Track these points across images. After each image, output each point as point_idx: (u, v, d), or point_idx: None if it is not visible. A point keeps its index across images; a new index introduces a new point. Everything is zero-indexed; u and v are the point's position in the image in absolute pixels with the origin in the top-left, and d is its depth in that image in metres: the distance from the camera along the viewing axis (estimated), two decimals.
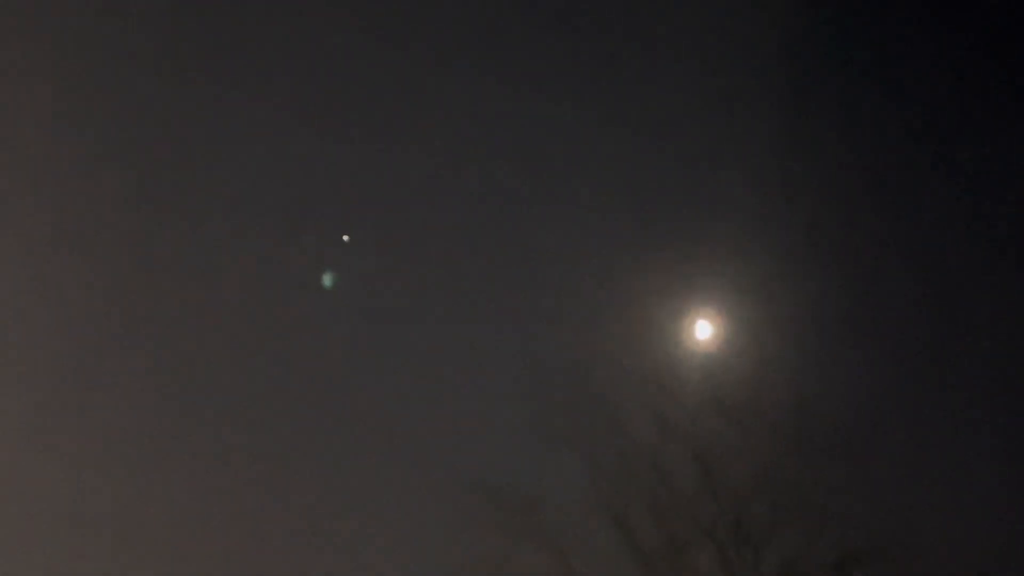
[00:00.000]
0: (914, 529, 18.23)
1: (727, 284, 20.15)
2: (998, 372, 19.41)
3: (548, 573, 18.30)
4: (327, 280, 20.15)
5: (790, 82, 20.78)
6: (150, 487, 19.16)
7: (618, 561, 18.56)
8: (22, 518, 18.67)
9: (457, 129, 21.31)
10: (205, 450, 19.35)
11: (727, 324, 20.03)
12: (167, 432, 19.52)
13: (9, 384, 19.58)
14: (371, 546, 18.59)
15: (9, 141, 20.07)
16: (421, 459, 19.22)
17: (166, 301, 20.32)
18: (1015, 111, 20.48)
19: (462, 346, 20.07)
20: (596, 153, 20.73)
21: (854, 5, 21.44)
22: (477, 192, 20.55)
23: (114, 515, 18.90)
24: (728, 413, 18.91)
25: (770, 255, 20.34)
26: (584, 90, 21.78)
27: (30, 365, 19.74)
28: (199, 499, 19.01)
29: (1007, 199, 20.06)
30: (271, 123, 21.04)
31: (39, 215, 20.25)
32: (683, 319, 20.05)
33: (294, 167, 21.17)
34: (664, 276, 20.08)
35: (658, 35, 21.84)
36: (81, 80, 20.80)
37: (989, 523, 18.18)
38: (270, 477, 19.20)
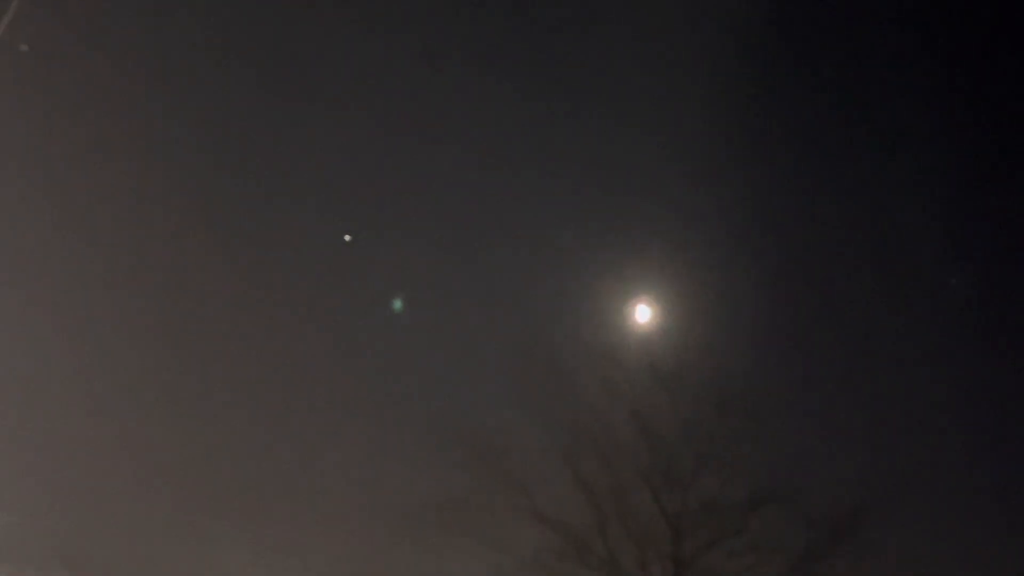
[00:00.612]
0: (810, 474, 21.69)
1: (663, 276, 23.39)
2: (879, 351, 23.21)
3: (515, 507, 21.08)
4: (397, 304, 22.26)
5: (728, 82, 23.03)
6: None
7: (571, 499, 21.28)
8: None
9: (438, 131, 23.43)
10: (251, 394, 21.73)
11: (662, 308, 23.12)
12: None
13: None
14: (371, 481, 21.41)
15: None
16: (413, 414, 22.05)
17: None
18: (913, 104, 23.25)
19: (448, 324, 22.82)
20: (561, 157, 23.23)
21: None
22: (460, 194, 23.21)
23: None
24: (661, 379, 21.73)
25: (698, 254, 23.61)
26: (540, 88, 23.87)
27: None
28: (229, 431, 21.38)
29: (910, 199, 23.06)
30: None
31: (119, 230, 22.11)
32: (627, 304, 23.01)
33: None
34: (613, 270, 23.19)
35: (603, 32, 23.86)
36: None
37: (868, 469, 21.81)
38: (288, 421, 21.75)
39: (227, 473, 21.83)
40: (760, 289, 22.96)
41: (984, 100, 23.81)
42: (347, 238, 23.00)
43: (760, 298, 22.91)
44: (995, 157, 23.69)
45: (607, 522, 21.45)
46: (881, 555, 21.14)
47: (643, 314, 23.16)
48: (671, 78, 23.43)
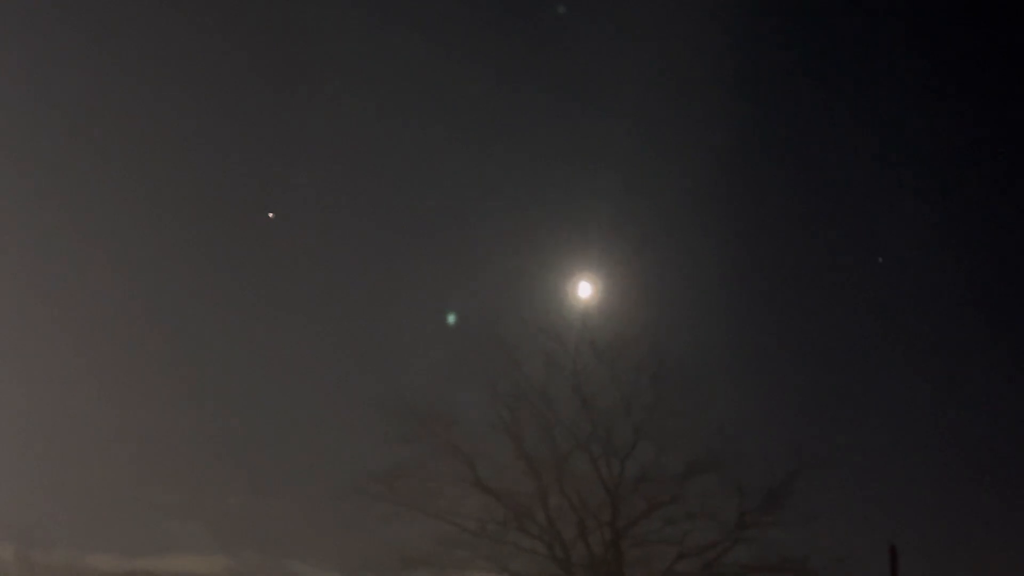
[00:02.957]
0: (743, 444, 22.47)
1: (603, 256, 24.19)
2: (810, 325, 24.24)
3: (458, 476, 21.72)
4: (450, 318, 22.46)
5: (670, 69, 23.67)
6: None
7: (513, 468, 21.95)
8: None
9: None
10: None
11: (602, 286, 24.00)
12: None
13: None
14: (319, 452, 21.87)
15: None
16: (360, 387, 22.53)
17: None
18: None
19: (393, 301, 23.39)
20: (504, 140, 23.94)
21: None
22: (405, 176, 23.83)
23: None
24: (600, 354, 22.33)
25: (636, 237, 24.50)
26: (496, 76, 24.42)
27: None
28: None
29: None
30: None
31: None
32: (569, 281, 23.95)
33: None
34: (555, 248, 23.92)
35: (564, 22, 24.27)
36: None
37: (799, 439, 22.74)
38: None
39: (177, 445, 22.23)
40: (696, 267, 23.87)
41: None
42: (270, 215, 23.44)
43: (696, 276, 23.82)
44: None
45: (548, 491, 22.05)
46: (812, 521, 21.95)
47: (583, 291, 23.99)
48: (618, 64, 24.27)
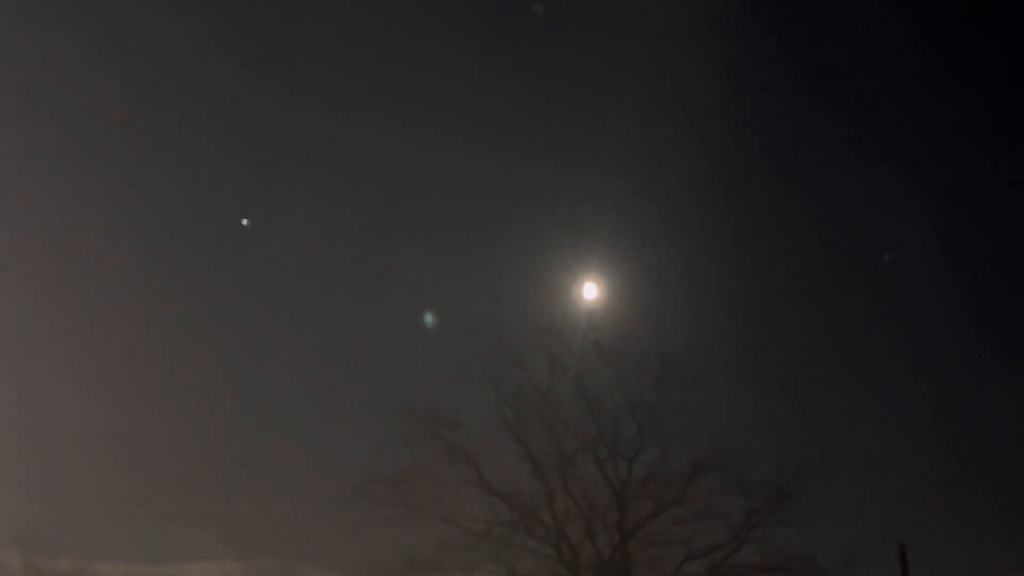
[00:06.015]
0: (748, 443, 22.56)
1: (609, 258, 24.20)
2: (815, 325, 24.15)
3: (464, 479, 21.78)
4: (428, 318, 22.58)
5: (671, 73, 23.64)
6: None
7: (519, 470, 22.00)
8: None
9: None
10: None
11: (607, 287, 24.02)
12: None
13: None
14: (325, 456, 21.93)
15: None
16: (366, 390, 22.60)
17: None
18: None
19: (397, 305, 23.48)
20: (508, 141, 24.01)
21: None
22: (408, 178, 23.95)
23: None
24: (605, 355, 22.40)
25: (640, 239, 24.53)
26: (495, 75, 24.39)
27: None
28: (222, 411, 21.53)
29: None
30: None
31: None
32: (573, 283, 23.87)
33: None
34: (561, 251, 23.93)
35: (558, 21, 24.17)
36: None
37: (804, 438, 22.72)
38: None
39: (188, 453, 22.38)
40: (700, 268, 23.89)
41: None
42: (244, 222, 23.56)
43: (700, 276, 23.82)
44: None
45: (554, 493, 22.07)
46: (820, 521, 21.86)
47: (588, 293, 23.94)
48: (620, 67, 24.32)
